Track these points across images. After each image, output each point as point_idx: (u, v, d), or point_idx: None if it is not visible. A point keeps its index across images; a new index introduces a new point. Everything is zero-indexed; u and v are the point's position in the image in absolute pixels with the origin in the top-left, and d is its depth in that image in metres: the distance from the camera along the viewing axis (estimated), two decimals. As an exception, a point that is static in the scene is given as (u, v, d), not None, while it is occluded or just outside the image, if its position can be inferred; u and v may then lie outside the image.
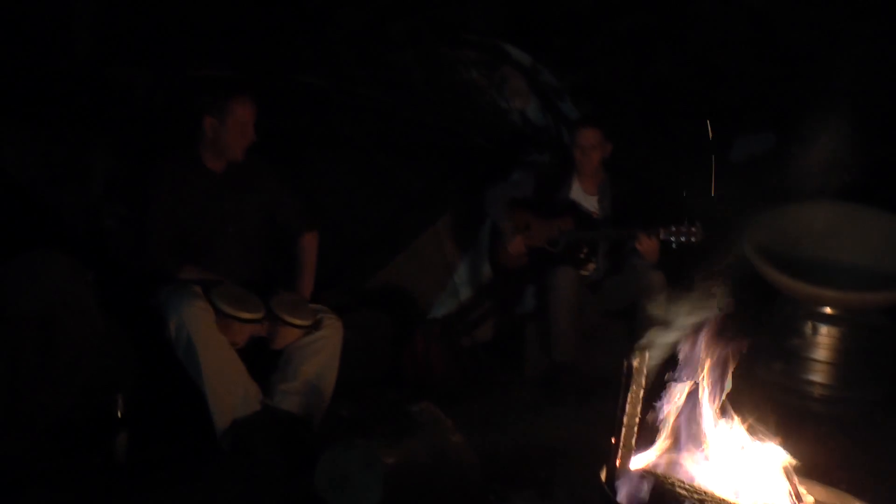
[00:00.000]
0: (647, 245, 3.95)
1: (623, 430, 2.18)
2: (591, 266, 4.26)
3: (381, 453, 2.65)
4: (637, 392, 2.18)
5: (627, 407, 2.17)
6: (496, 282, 4.56)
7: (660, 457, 2.26)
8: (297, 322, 3.34)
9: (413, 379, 4.06)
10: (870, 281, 3.94)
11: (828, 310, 3.84)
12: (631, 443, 2.21)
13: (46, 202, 4.05)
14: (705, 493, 2.14)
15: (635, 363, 2.15)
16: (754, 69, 4.68)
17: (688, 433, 2.24)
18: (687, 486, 2.15)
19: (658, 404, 2.27)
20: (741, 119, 4.95)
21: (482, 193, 4.47)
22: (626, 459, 2.20)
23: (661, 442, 2.27)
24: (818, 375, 3.82)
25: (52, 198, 4.07)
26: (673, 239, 3.89)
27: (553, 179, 4.34)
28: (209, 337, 3.14)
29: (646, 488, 2.15)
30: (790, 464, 2.23)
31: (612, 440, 2.19)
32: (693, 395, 2.26)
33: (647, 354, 2.19)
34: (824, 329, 3.82)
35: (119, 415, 2.99)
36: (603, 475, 2.23)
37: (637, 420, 2.21)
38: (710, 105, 4.85)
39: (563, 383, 3.97)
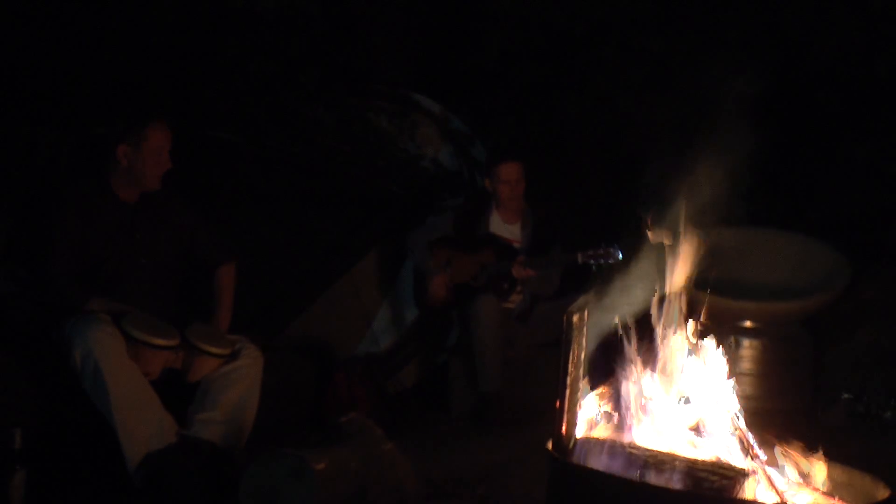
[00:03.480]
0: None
1: (567, 391, 2.10)
2: (517, 297, 4.23)
3: (310, 460, 2.49)
4: (578, 352, 2.12)
5: (570, 367, 2.10)
6: (422, 322, 4.48)
7: (605, 421, 2.19)
8: (215, 350, 3.17)
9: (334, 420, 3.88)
10: (783, 295, 4.03)
11: (748, 323, 3.89)
12: (576, 407, 2.13)
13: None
14: (653, 451, 2.07)
15: (574, 319, 2.09)
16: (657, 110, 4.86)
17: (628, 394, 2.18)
18: (635, 446, 2.08)
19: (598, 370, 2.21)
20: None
21: (403, 238, 4.44)
22: (571, 425, 2.12)
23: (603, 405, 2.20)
24: (744, 388, 3.82)
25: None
26: (592, 262, 3.92)
27: (471, 216, 4.35)
28: (119, 365, 2.94)
29: (597, 453, 2.06)
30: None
31: (556, 404, 2.11)
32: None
33: (585, 312, 2.15)
34: (747, 342, 3.87)
35: (16, 451, 2.72)
36: (550, 444, 2.13)
37: (580, 383, 2.14)
38: (616, 148, 4.99)
39: (491, 413, 3.87)
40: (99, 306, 3.11)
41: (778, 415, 3.80)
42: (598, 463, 2.06)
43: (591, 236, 4.04)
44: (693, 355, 2.33)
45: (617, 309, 2.31)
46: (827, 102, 4.96)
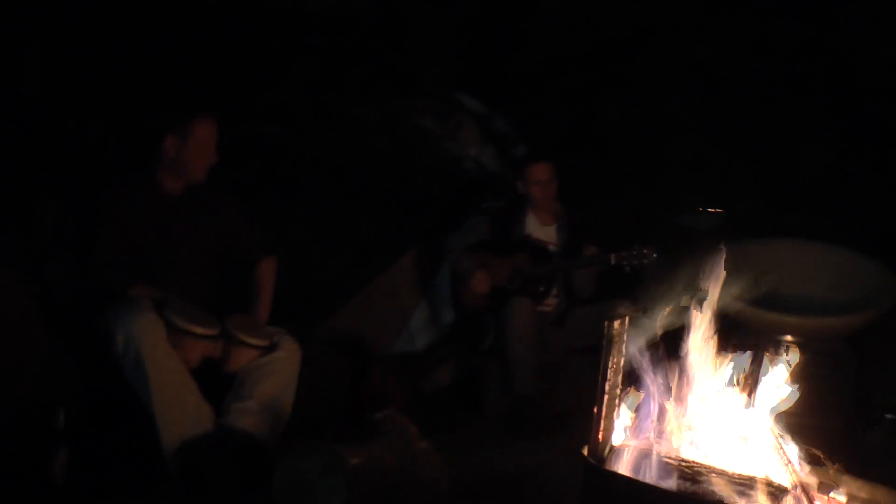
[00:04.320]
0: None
1: (605, 399, 2.09)
2: (553, 301, 4.21)
3: (345, 455, 2.50)
4: (618, 359, 2.10)
5: (609, 374, 2.09)
6: (458, 324, 4.48)
7: (644, 430, 2.17)
8: (254, 342, 3.20)
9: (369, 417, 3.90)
10: (826, 310, 3.97)
11: (789, 337, 3.84)
12: (613, 414, 2.12)
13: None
14: (694, 462, 2.05)
15: (616, 327, 2.08)
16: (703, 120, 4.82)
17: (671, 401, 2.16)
18: (675, 458, 2.06)
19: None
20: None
21: (441, 243, 4.44)
22: (608, 432, 2.11)
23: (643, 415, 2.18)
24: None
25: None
26: (626, 263, 3.89)
27: (506, 219, 4.35)
28: (160, 351, 2.98)
29: (633, 462, 2.05)
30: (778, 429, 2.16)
31: (595, 410, 2.10)
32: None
33: (627, 320, 2.13)
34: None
35: (60, 431, 2.78)
36: (585, 450, 2.12)
37: (619, 390, 2.13)
38: (659, 155, 4.95)
39: (525, 417, 3.86)
40: (142, 293, 3.16)
41: (818, 431, 3.73)
42: (633, 471, 2.04)
43: (627, 241, 4.01)
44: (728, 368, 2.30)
45: (657, 317, 2.29)
46: (880, 115, 4.88)
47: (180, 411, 2.97)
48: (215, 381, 3.16)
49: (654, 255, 3.78)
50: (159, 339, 2.99)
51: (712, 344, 2.24)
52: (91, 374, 3.05)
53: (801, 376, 3.80)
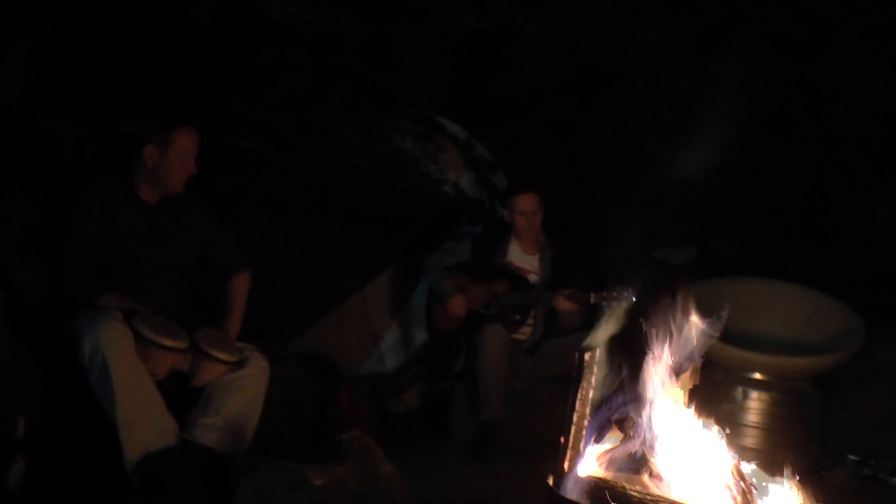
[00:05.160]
0: (562, 305, 3.96)
1: (572, 429, 2.08)
2: (528, 330, 4.22)
3: (309, 475, 2.48)
4: (587, 390, 2.11)
5: (577, 405, 2.09)
6: (430, 346, 4.47)
7: (607, 458, 2.17)
8: (223, 357, 3.17)
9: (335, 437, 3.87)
10: (794, 351, 4.00)
11: (757, 375, 3.87)
12: (580, 444, 2.11)
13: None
14: (657, 496, 2.05)
15: (586, 358, 2.09)
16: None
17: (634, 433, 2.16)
18: (637, 490, 2.06)
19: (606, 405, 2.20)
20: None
21: (421, 259, 4.44)
22: (574, 462, 2.10)
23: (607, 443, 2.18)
24: (749, 440, 3.80)
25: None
26: (605, 304, 3.90)
27: (490, 244, 4.35)
28: (126, 362, 2.94)
29: (594, 492, 2.05)
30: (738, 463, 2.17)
31: (561, 440, 2.10)
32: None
33: (597, 351, 2.14)
34: (755, 394, 3.84)
35: (18, 439, 2.73)
36: (550, 480, 2.11)
37: (586, 421, 2.13)
38: (637, 188, 4.98)
39: (492, 443, 3.85)
40: (112, 302, 3.12)
41: (782, 469, 3.76)
42: (597, 503, 2.04)
43: (606, 274, 4.02)
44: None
45: (623, 348, 2.30)
46: (852, 161, 4.95)
47: (144, 424, 2.93)
48: (182, 395, 3.12)
49: (633, 298, 3.78)
50: (127, 349, 2.96)
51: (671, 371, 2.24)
52: (55, 382, 3.01)
53: (767, 415, 3.86)
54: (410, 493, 2.74)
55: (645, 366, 2.21)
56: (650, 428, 2.15)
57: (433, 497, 3.15)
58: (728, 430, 2.28)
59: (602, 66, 5.15)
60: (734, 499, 2.09)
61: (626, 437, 2.15)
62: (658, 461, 2.13)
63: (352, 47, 5.08)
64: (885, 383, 4.08)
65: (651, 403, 2.18)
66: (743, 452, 3.78)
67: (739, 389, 3.86)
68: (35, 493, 2.75)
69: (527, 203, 4.21)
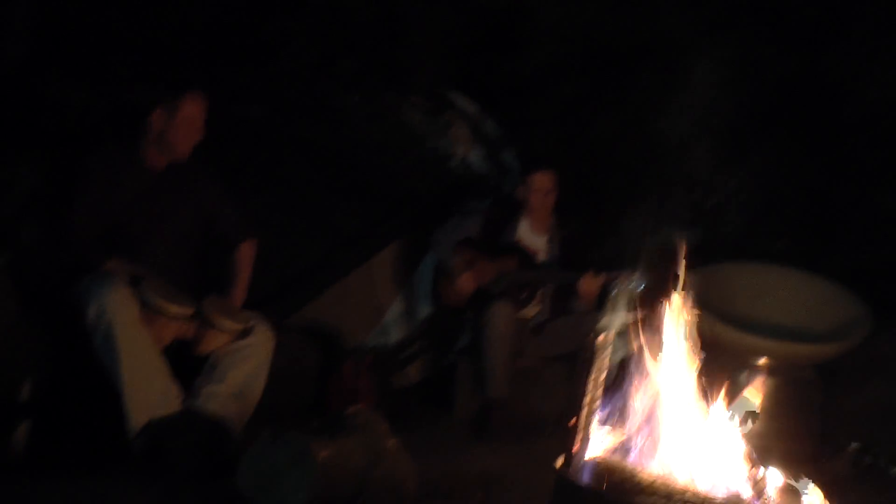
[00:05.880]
0: (586, 287, 3.93)
1: (584, 412, 2.07)
2: (534, 308, 4.20)
3: (315, 447, 2.47)
4: (599, 373, 2.09)
5: (589, 387, 2.07)
6: (435, 321, 4.46)
7: (617, 442, 2.16)
8: (228, 325, 3.16)
9: (339, 410, 3.86)
10: (799, 338, 3.99)
11: (762, 361, 3.86)
12: (590, 428, 2.10)
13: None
14: (666, 481, 2.04)
15: (599, 340, 2.07)
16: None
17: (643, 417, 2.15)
18: (646, 475, 2.05)
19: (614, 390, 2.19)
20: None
21: (429, 233, 4.42)
22: (584, 445, 2.09)
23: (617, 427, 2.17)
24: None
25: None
26: (613, 287, 3.87)
27: (499, 221, 4.33)
28: (131, 328, 2.93)
29: (603, 476, 2.04)
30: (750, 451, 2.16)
31: (572, 423, 2.08)
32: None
33: (611, 333, 2.12)
34: (757, 380, 3.83)
35: (22, 403, 2.72)
36: (559, 461, 2.10)
37: (597, 404, 2.11)
38: (646, 171, 4.96)
39: (495, 420, 3.84)
40: (117, 267, 3.10)
41: (784, 456, 3.76)
42: (606, 487, 2.03)
43: (612, 257, 4.00)
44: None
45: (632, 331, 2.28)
46: (862, 150, 4.93)
47: (148, 390, 2.92)
48: (186, 363, 3.11)
49: (642, 283, 3.75)
50: (132, 315, 2.94)
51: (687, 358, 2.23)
52: (59, 347, 2.99)
53: (769, 401, 3.85)
54: (415, 469, 2.73)
55: (652, 348, 2.20)
56: (657, 413, 2.14)
57: (436, 473, 3.13)
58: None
59: (614, 47, 5.11)
60: (749, 484, 2.08)
61: (634, 423, 2.14)
62: (666, 447, 2.12)
63: (362, 19, 5.03)
64: (889, 373, 4.08)
65: (658, 388, 2.17)
66: (744, 437, 3.82)
67: (742, 375, 3.85)
68: (39, 457, 2.74)
69: (543, 181, 4.19)
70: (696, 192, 4.91)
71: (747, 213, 4.86)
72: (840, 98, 4.93)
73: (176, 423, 2.91)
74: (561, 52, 5.17)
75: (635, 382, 2.20)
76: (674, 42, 5.02)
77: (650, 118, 4.98)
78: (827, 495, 2.40)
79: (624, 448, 2.16)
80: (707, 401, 2.29)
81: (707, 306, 3.92)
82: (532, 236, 4.28)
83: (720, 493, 2.05)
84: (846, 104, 4.94)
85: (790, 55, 4.93)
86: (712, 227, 5.06)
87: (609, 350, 2.11)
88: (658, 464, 2.12)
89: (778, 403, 3.82)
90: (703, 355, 2.33)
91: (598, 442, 2.16)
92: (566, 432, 2.10)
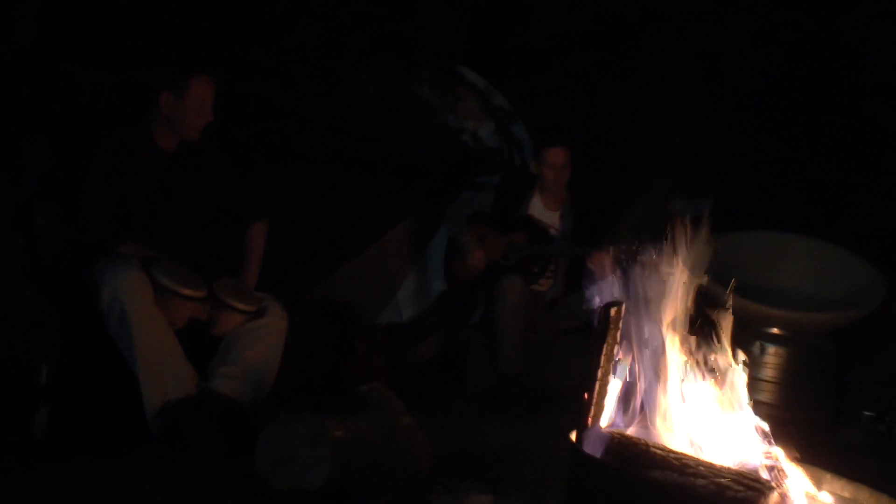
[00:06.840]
0: (598, 261, 3.92)
1: (597, 385, 2.08)
2: (547, 282, 4.20)
3: (330, 426, 2.49)
4: (612, 345, 2.09)
5: (602, 360, 2.08)
6: (448, 297, 4.46)
7: (632, 417, 2.17)
8: (241, 306, 3.17)
9: (353, 388, 3.88)
10: (813, 305, 3.98)
11: (775, 330, 3.85)
12: (603, 400, 2.11)
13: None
14: (680, 454, 2.05)
15: (612, 313, 2.07)
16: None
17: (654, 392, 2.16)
18: (660, 448, 2.06)
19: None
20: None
21: (442, 209, 4.40)
22: (597, 418, 2.10)
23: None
24: (764, 395, 3.80)
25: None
26: (623, 258, 3.87)
27: (511, 195, 4.32)
28: (145, 311, 2.94)
29: (618, 450, 2.04)
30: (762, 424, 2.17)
31: (585, 396, 2.09)
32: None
33: (623, 306, 2.12)
34: (772, 349, 3.83)
35: (42, 386, 2.75)
36: (573, 435, 2.11)
37: (610, 377, 2.12)
38: (659, 141, 4.92)
39: (509, 395, 3.86)
40: (131, 250, 3.12)
41: (797, 425, 3.77)
42: (620, 460, 2.04)
43: (624, 229, 3.98)
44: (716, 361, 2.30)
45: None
46: (876, 115, 4.87)
47: (164, 372, 2.94)
48: (201, 344, 3.13)
49: (652, 256, 3.74)
50: (145, 298, 2.96)
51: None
52: (76, 329, 3.01)
53: (784, 370, 3.86)
54: (430, 446, 2.75)
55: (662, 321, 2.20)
56: (667, 384, 2.15)
57: (451, 448, 3.16)
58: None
59: (625, 16, 5.05)
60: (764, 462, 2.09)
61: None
62: (682, 420, 2.13)
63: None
64: (904, 341, 4.07)
65: (669, 361, 2.17)
66: (758, 407, 3.82)
67: (757, 344, 3.85)
68: (59, 440, 2.78)
69: (557, 156, 4.16)
70: (710, 159, 4.87)
71: (760, 180, 4.83)
72: (857, 61, 4.86)
73: (192, 404, 2.93)
74: (570, 21, 5.13)
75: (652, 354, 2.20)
76: (686, 8, 4.96)
77: (662, 87, 4.95)
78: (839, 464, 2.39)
79: (639, 421, 2.17)
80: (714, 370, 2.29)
81: (720, 275, 3.94)
82: (544, 212, 4.27)
83: (732, 465, 2.06)
84: (863, 67, 4.87)
85: (805, 18, 4.86)
86: (725, 194, 5.03)
87: (619, 323, 2.11)
88: (675, 437, 2.13)
89: (792, 372, 3.81)
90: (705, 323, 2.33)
91: (613, 415, 2.17)
92: (580, 406, 2.11)
